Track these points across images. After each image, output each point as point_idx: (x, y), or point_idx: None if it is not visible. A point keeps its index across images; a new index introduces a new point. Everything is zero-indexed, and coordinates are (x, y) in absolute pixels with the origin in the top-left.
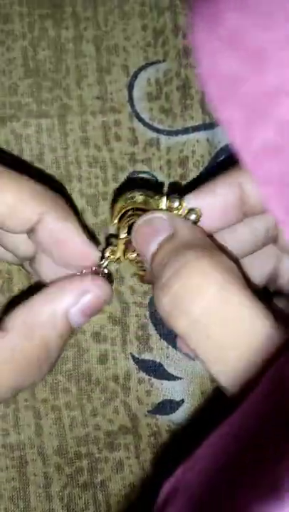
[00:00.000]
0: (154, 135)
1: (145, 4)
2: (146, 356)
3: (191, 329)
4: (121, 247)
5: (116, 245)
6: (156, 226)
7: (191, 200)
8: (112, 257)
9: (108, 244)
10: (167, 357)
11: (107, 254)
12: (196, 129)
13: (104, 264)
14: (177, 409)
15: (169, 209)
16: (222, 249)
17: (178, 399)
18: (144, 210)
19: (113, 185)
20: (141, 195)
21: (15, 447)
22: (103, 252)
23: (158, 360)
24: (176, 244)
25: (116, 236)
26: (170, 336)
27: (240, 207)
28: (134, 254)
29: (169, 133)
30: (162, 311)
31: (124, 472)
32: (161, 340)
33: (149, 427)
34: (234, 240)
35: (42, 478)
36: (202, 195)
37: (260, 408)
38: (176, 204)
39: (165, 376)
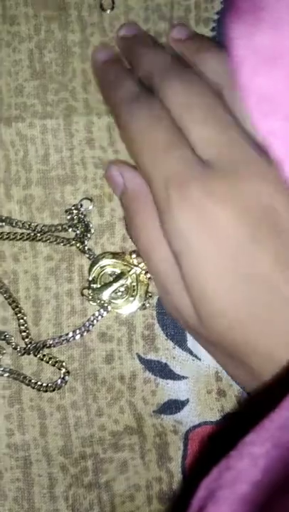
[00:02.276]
0: None
1: (148, 9)
2: (152, 356)
3: None
4: None
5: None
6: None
7: None
8: None
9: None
10: (173, 357)
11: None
12: None
13: None
14: (182, 408)
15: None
16: None
17: (183, 398)
18: None
19: None
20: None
21: (19, 448)
22: None
23: (164, 361)
24: None
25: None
26: (176, 337)
27: None
28: None
29: None
30: None
31: (129, 472)
32: (168, 340)
33: (154, 427)
34: None
35: (46, 479)
36: None
37: None
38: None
39: (170, 376)
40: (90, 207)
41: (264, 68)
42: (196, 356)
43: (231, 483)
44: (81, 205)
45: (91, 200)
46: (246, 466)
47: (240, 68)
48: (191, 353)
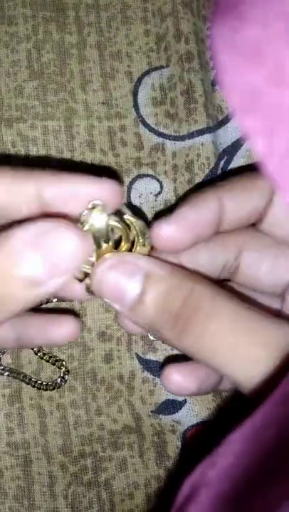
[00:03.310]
0: (160, 140)
1: (147, 10)
2: (151, 356)
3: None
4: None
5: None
6: (128, 268)
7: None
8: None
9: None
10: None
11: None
12: (200, 132)
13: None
14: (180, 409)
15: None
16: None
17: (180, 399)
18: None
19: None
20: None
21: (20, 446)
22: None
23: (162, 361)
24: (169, 282)
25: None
26: None
27: (215, 224)
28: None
29: (175, 138)
30: (177, 339)
31: (128, 471)
32: None
33: (152, 427)
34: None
35: (46, 477)
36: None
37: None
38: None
39: None
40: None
41: (247, 64)
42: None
43: (214, 481)
44: None
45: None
46: (229, 463)
47: (224, 64)
48: None
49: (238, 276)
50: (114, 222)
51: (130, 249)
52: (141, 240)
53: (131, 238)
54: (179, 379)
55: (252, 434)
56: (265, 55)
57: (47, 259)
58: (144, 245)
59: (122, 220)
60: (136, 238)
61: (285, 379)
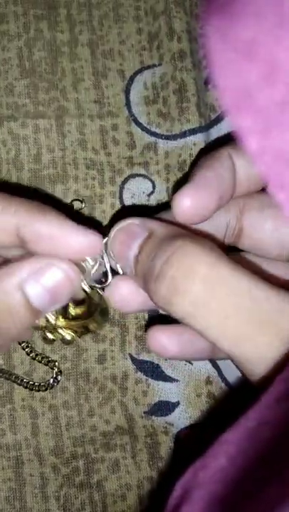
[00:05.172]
0: (152, 139)
1: (140, 8)
2: (145, 357)
3: (194, 307)
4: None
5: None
6: (132, 230)
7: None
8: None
9: None
10: (165, 360)
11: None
12: (192, 131)
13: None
14: (173, 411)
15: None
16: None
17: (174, 401)
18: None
19: (110, 188)
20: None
21: (11, 447)
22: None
23: (156, 362)
24: (157, 240)
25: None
26: None
27: (234, 184)
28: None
29: (167, 137)
30: (161, 299)
31: (120, 472)
32: None
33: (145, 428)
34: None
35: (38, 479)
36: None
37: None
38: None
39: (162, 377)
40: (82, 205)
41: (240, 62)
42: (188, 360)
43: (206, 483)
44: (72, 206)
45: (82, 201)
46: (222, 465)
47: (217, 62)
48: None
49: (242, 239)
50: (87, 287)
51: (85, 318)
52: (98, 318)
53: (92, 310)
54: (163, 339)
55: (246, 434)
56: (257, 52)
57: (48, 290)
58: (96, 323)
59: (96, 291)
60: (96, 313)
61: (279, 377)
